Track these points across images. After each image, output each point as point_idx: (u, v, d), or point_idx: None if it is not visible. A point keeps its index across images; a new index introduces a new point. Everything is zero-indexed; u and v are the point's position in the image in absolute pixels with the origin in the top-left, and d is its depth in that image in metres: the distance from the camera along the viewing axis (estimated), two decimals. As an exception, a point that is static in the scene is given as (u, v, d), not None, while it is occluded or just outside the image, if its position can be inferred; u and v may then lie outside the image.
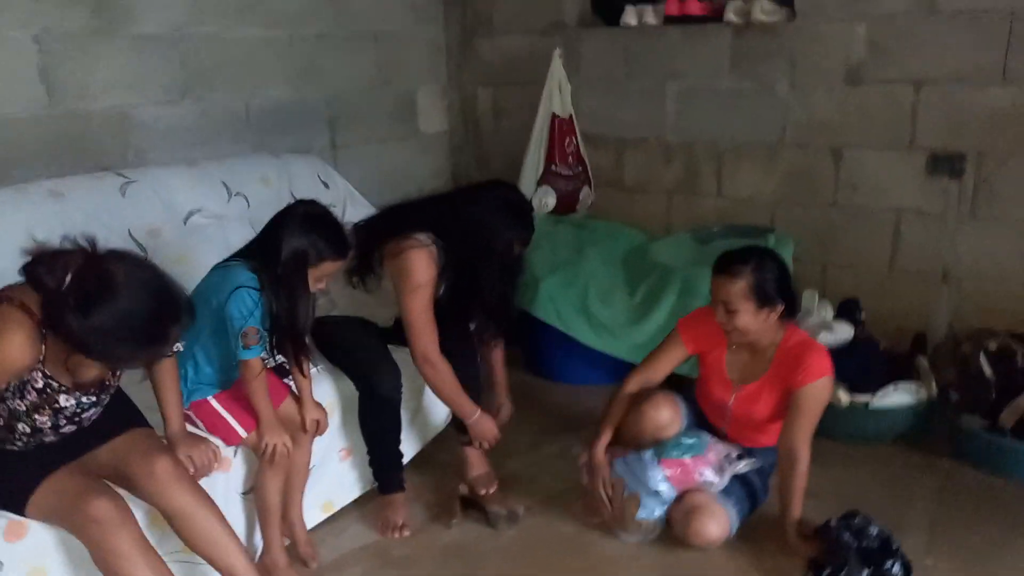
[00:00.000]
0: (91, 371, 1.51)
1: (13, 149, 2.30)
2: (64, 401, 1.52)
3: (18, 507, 1.53)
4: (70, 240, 1.41)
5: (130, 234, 2.20)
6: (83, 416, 1.59)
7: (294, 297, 1.79)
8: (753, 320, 1.97)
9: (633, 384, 2.22)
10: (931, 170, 2.80)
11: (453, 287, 2.10)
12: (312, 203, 1.90)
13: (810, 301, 2.81)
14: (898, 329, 2.86)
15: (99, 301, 1.34)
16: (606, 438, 2.18)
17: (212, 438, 1.87)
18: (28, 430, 1.53)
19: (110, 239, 2.12)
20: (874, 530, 1.95)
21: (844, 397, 2.50)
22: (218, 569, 1.69)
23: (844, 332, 2.68)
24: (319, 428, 2.00)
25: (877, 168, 2.91)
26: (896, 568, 1.89)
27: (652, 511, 2.06)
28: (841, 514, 2.00)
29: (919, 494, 2.29)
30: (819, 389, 1.97)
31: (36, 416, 1.51)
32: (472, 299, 2.13)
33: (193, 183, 2.47)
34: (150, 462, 1.61)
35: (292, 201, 1.99)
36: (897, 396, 2.49)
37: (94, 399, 1.59)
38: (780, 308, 1.98)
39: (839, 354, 2.57)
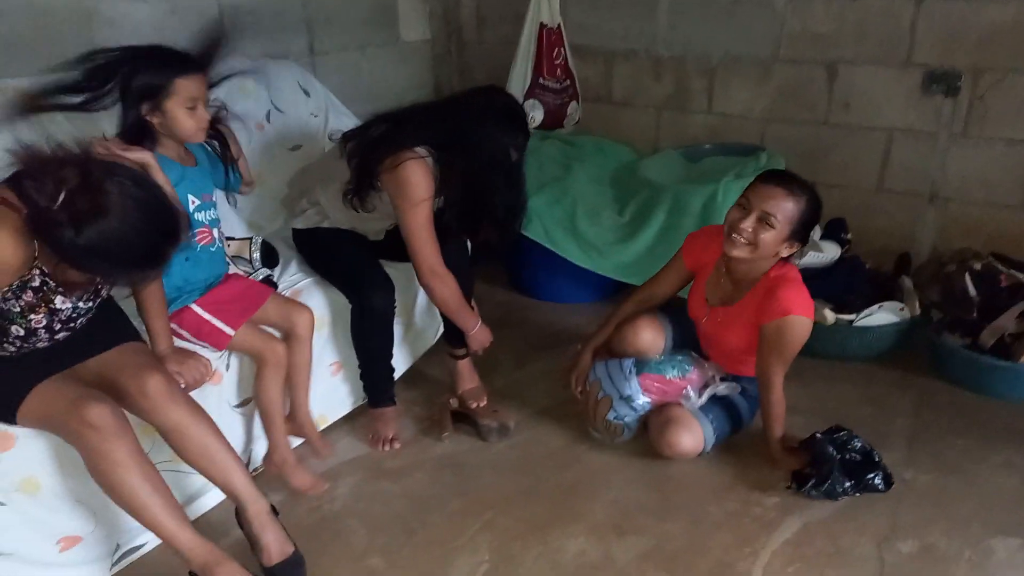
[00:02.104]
0: (79, 276, 1.45)
1: (-32, 45, 2.14)
2: (60, 303, 1.48)
3: (9, 414, 1.50)
4: (59, 146, 1.32)
5: (104, 136, 2.07)
6: (77, 321, 1.55)
7: None
8: (774, 243, 1.92)
9: (632, 302, 2.24)
10: (926, 88, 2.76)
11: (454, 200, 2.03)
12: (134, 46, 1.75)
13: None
14: (884, 248, 2.88)
15: (92, 221, 1.27)
16: (596, 341, 2.25)
17: (200, 347, 1.83)
18: (22, 332, 1.47)
19: (90, 146, 2.04)
20: (857, 443, 2.00)
21: (829, 316, 2.52)
22: (216, 483, 1.69)
23: (831, 251, 2.69)
24: (300, 316, 1.96)
25: (871, 85, 2.86)
26: (877, 480, 1.95)
27: (622, 416, 2.10)
28: (826, 428, 2.05)
29: (899, 410, 2.35)
30: (781, 326, 1.92)
31: (32, 316, 1.46)
32: (479, 211, 2.06)
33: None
34: (142, 379, 1.57)
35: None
36: (881, 315, 2.52)
37: (90, 303, 1.54)
38: (797, 248, 1.96)
39: (825, 273, 2.63)
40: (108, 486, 1.51)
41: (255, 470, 2.00)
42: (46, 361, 1.54)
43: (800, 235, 1.94)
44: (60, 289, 1.46)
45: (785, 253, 1.96)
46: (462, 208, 2.04)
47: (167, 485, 1.56)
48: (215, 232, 1.88)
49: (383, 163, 1.98)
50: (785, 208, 1.90)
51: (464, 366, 2.33)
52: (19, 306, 1.43)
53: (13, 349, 1.51)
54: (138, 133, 1.71)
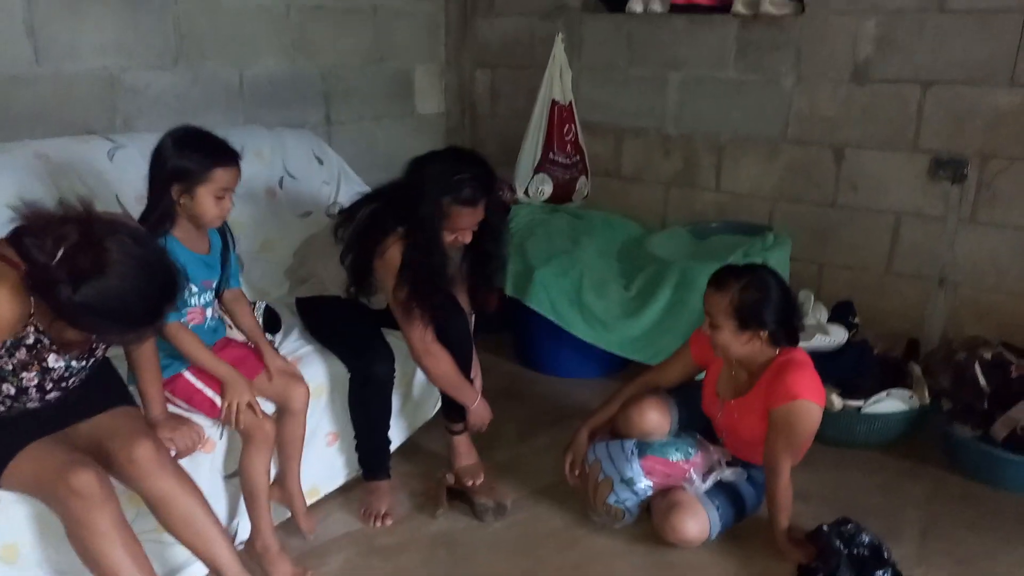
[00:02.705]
0: (76, 334, 1.44)
1: (-2, 108, 2.21)
2: (53, 362, 1.47)
3: None
4: (63, 204, 1.34)
5: (118, 200, 2.12)
6: (70, 381, 1.54)
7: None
8: (733, 339, 1.92)
9: (636, 385, 2.22)
10: (933, 173, 2.77)
11: (422, 266, 1.98)
12: (181, 126, 1.80)
13: (805, 302, 2.79)
14: (893, 332, 2.84)
15: (90, 278, 1.28)
16: (595, 421, 2.21)
17: (193, 413, 1.81)
18: (12, 391, 1.46)
19: (97, 205, 2.07)
20: (865, 538, 1.93)
21: (837, 401, 2.47)
22: (200, 557, 1.65)
23: (838, 335, 2.65)
24: (295, 390, 1.93)
25: (879, 168, 2.88)
26: (887, 576, 1.87)
27: (623, 500, 2.05)
28: (833, 520, 1.98)
29: (910, 501, 2.28)
30: (789, 411, 1.88)
31: (24, 374, 1.45)
32: (428, 272, 1.99)
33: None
34: (132, 445, 1.55)
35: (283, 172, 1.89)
36: (890, 403, 2.47)
37: (84, 363, 1.53)
38: (764, 335, 1.91)
39: (832, 357, 2.58)
40: (87, 555, 1.47)
41: (239, 544, 1.95)
42: (35, 423, 1.53)
43: (752, 322, 1.89)
44: (54, 347, 1.45)
45: (759, 344, 1.92)
46: (429, 271, 1.99)
47: (147, 558, 1.52)
48: (208, 312, 1.87)
49: (373, 254, 1.99)
50: (719, 304, 1.90)
51: (461, 442, 2.29)
52: (11, 364, 1.42)
53: (2, 409, 1.49)
54: (162, 213, 1.72)
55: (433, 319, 2.04)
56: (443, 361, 2.09)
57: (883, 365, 2.64)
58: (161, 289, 1.37)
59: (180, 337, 1.75)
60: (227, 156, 1.75)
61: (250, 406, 1.80)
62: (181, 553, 1.72)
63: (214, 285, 1.87)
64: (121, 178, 2.17)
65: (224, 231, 1.89)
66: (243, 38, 2.81)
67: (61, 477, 1.43)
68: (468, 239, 2.05)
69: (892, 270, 2.94)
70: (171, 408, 1.77)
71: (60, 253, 1.27)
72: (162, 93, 2.60)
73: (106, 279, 1.28)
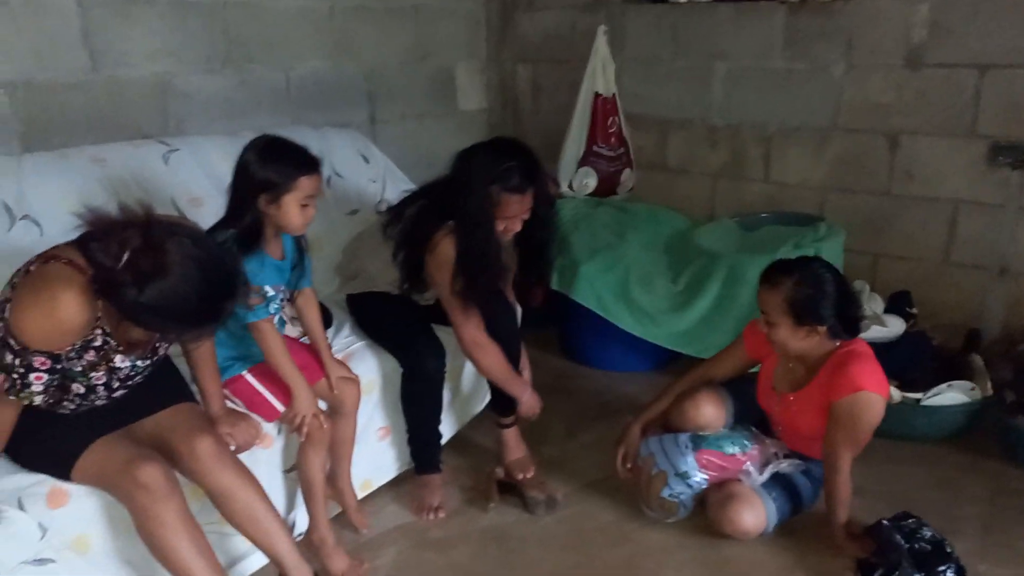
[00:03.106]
0: (141, 334, 1.49)
1: (56, 114, 2.27)
2: (120, 362, 1.51)
3: (64, 470, 1.53)
4: (123, 208, 1.37)
5: (173, 202, 2.17)
6: (135, 379, 1.58)
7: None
8: (791, 336, 1.88)
9: (689, 379, 2.20)
10: (991, 160, 2.69)
11: (476, 259, 1.98)
12: (262, 135, 1.82)
13: (861, 293, 2.73)
14: (951, 324, 2.77)
15: (154, 280, 1.31)
16: (647, 415, 2.20)
17: (251, 415, 1.84)
18: (82, 390, 1.51)
19: (153, 207, 2.13)
20: (927, 533, 1.89)
21: (895, 393, 2.42)
22: (261, 548, 1.68)
23: (895, 326, 2.59)
24: (349, 392, 1.95)
25: (934, 156, 2.81)
26: (950, 573, 1.82)
27: (677, 493, 2.03)
28: (892, 515, 1.94)
29: (970, 496, 2.21)
30: (852, 403, 1.85)
31: (92, 374, 1.49)
32: (481, 264, 1.98)
33: (235, 154, 2.41)
34: (193, 440, 1.59)
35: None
36: (951, 395, 2.41)
37: (148, 362, 1.57)
38: (823, 329, 1.87)
39: (889, 349, 2.52)
40: (154, 546, 1.51)
41: (298, 535, 1.99)
42: (102, 419, 1.57)
43: (808, 317, 1.85)
44: (120, 348, 1.50)
45: (818, 339, 1.88)
46: (483, 262, 1.98)
47: (212, 549, 1.56)
48: (275, 318, 1.88)
49: (424, 250, 2.00)
50: (772, 302, 1.87)
51: (511, 435, 2.29)
52: (81, 365, 1.47)
53: (72, 407, 1.54)
54: (251, 224, 1.74)
55: (483, 312, 2.04)
56: (492, 354, 2.10)
57: (941, 357, 2.58)
58: (221, 288, 1.40)
59: (270, 337, 1.77)
60: (310, 164, 1.77)
61: (315, 416, 1.83)
62: (242, 544, 1.76)
63: (283, 287, 1.89)
64: (175, 181, 2.22)
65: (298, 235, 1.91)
66: (288, 41, 2.85)
67: (128, 471, 1.48)
68: (518, 227, 2.03)
69: (950, 260, 2.86)
70: (229, 404, 1.81)
71: (125, 257, 1.31)
72: (212, 96, 2.65)
73: (168, 280, 1.32)
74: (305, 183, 1.74)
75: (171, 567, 1.52)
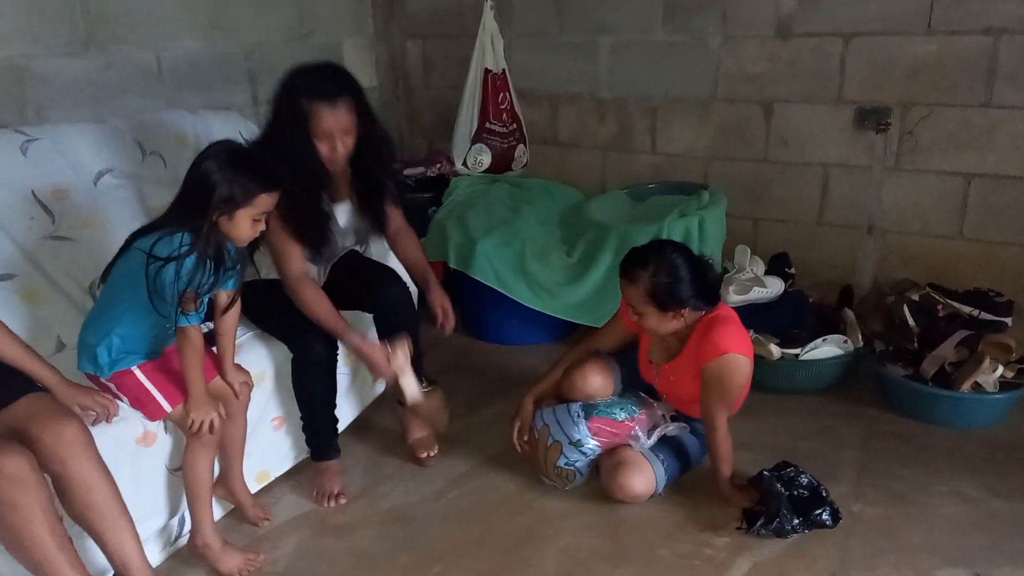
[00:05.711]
0: None
1: None
2: None
3: None
4: None
5: (34, 195, 2.04)
6: None
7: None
8: (659, 322, 1.96)
9: (578, 351, 2.25)
10: (858, 124, 2.85)
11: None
12: (224, 142, 1.77)
13: (742, 257, 2.86)
14: (826, 282, 2.93)
15: None
16: (539, 388, 2.24)
17: (134, 413, 1.77)
18: None
19: (11, 200, 2.00)
20: (804, 479, 2.01)
21: (775, 350, 2.55)
22: (106, 547, 1.62)
23: (775, 287, 2.72)
24: (246, 391, 1.92)
25: (806, 122, 2.95)
26: (825, 515, 1.95)
27: (572, 461, 2.09)
28: (773, 465, 2.05)
29: (847, 442, 2.37)
30: (719, 367, 1.93)
31: None
32: (299, 185, 1.93)
33: (103, 141, 2.29)
34: (59, 425, 1.53)
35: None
36: (826, 348, 2.55)
37: None
38: (686, 311, 1.95)
39: (770, 308, 2.65)
40: (14, 539, 1.45)
41: (189, 539, 1.92)
42: None
43: (672, 304, 1.92)
44: None
45: (689, 317, 1.96)
46: (299, 184, 1.93)
47: (72, 543, 1.51)
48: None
49: None
50: (635, 295, 1.94)
51: (412, 416, 2.29)
52: None
53: None
54: (196, 228, 1.66)
55: (316, 246, 2.02)
56: (314, 289, 2.04)
57: (819, 313, 2.72)
58: None
59: (194, 344, 1.71)
60: (273, 182, 1.72)
61: (213, 422, 1.78)
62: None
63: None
64: (36, 172, 2.08)
65: None
66: (157, 18, 2.70)
67: None
68: (341, 150, 1.99)
69: (824, 221, 3.02)
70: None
71: None
72: (75, 80, 2.50)
73: None
74: (264, 200, 1.71)
75: (32, 559, 1.46)
